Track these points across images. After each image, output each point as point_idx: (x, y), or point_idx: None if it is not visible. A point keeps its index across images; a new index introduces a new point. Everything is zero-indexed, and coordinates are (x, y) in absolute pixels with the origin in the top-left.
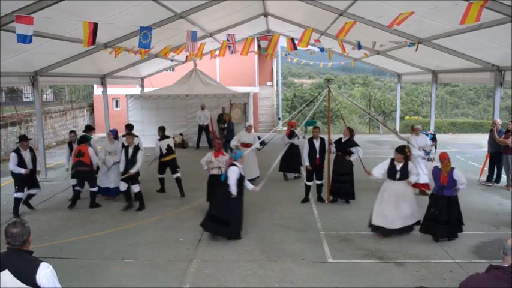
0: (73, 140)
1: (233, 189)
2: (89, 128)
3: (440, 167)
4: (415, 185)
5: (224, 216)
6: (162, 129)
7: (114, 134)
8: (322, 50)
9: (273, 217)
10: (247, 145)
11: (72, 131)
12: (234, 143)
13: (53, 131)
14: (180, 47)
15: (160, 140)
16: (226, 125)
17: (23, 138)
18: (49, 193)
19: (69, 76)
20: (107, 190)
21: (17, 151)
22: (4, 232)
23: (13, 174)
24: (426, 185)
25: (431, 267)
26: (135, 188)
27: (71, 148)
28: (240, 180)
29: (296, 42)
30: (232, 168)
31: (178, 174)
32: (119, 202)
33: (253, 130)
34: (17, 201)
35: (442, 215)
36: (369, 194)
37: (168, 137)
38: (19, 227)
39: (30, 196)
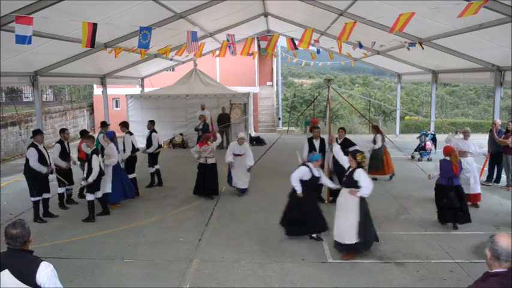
0: (65, 138)
1: (296, 187)
2: (103, 124)
3: (449, 159)
4: (471, 196)
5: (305, 217)
6: (153, 123)
7: (110, 137)
8: (318, 51)
9: (273, 217)
10: (236, 154)
11: (65, 129)
12: (228, 158)
13: (53, 131)
14: (181, 48)
15: (155, 132)
16: (201, 126)
17: (38, 132)
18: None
19: (69, 76)
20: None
21: (33, 146)
22: (4, 233)
23: (28, 176)
24: (478, 195)
25: (431, 267)
26: (88, 197)
27: (62, 147)
28: (313, 180)
29: (296, 42)
30: (300, 167)
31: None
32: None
33: (245, 142)
34: (36, 204)
35: (455, 203)
36: None
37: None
38: (19, 228)
39: (45, 202)
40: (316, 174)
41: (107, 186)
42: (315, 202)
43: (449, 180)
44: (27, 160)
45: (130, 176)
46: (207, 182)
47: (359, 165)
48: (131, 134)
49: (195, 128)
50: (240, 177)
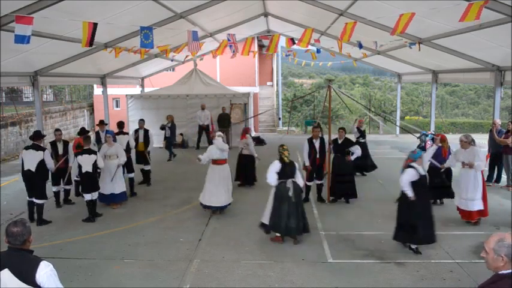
0: (58, 139)
1: (407, 192)
2: (101, 123)
3: (441, 145)
4: (465, 213)
5: (417, 223)
6: (144, 121)
7: (113, 136)
8: (319, 51)
9: None
10: (216, 161)
11: (57, 130)
12: (202, 157)
13: (53, 131)
14: (180, 46)
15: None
16: (169, 125)
17: (41, 135)
18: (49, 193)
19: (69, 76)
20: (111, 197)
21: (41, 149)
22: (5, 231)
23: (44, 177)
24: (477, 213)
25: (431, 267)
26: (86, 197)
27: (54, 148)
28: (422, 179)
29: (296, 42)
30: (408, 170)
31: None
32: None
33: (221, 139)
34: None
35: (445, 182)
36: (368, 194)
37: None
38: (20, 226)
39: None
40: (423, 172)
41: (121, 185)
42: (429, 206)
43: (441, 164)
44: (41, 162)
45: (130, 175)
46: (246, 170)
47: (280, 157)
48: (125, 133)
49: (161, 127)
50: (215, 192)
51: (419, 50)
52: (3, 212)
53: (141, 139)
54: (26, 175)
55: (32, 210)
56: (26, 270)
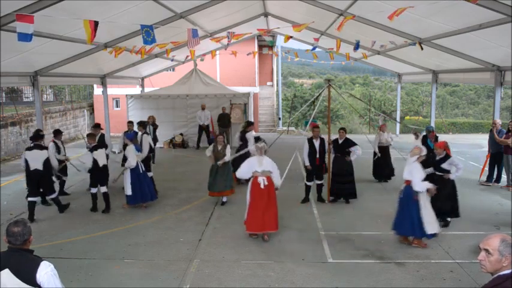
0: None
1: None
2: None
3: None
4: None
5: None
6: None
7: (130, 139)
8: (314, 48)
9: None
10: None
11: None
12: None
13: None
14: (179, 41)
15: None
16: (151, 123)
17: (40, 136)
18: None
19: (69, 76)
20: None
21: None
22: (5, 231)
23: (48, 175)
24: None
25: (431, 267)
26: (92, 190)
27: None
28: None
29: (296, 43)
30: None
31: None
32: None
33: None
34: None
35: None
36: (369, 194)
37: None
38: (20, 226)
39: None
40: None
41: (127, 189)
42: None
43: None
44: (46, 160)
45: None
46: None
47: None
48: (148, 134)
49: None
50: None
51: (422, 49)
52: (3, 212)
53: None
54: (34, 174)
55: (33, 211)
56: (26, 270)
